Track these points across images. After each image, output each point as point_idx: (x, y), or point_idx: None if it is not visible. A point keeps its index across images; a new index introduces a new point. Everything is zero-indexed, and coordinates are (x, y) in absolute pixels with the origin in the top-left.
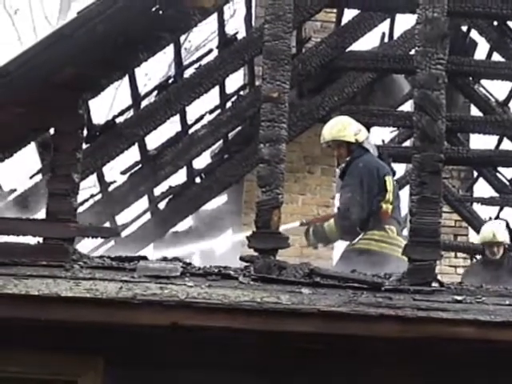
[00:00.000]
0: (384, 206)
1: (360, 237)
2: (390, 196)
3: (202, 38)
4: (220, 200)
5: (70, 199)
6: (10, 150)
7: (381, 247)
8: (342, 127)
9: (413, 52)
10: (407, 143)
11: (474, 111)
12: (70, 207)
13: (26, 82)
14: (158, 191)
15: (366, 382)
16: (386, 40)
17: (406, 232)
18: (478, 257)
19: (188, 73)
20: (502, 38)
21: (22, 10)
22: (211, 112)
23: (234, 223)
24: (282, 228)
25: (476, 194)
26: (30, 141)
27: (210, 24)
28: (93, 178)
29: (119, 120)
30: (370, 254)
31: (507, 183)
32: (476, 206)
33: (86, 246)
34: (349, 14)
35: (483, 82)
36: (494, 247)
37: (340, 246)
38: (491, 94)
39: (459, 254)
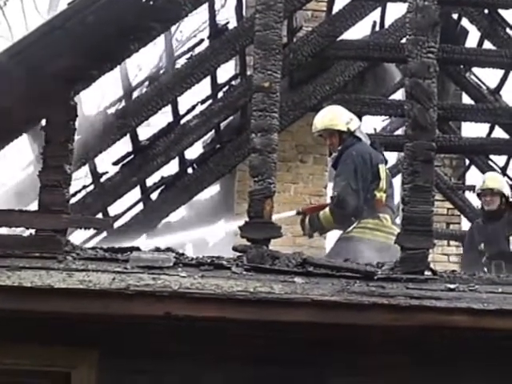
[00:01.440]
0: (378, 194)
1: (354, 225)
2: (383, 184)
3: (192, 28)
4: (212, 190)
5: (62, 190)
6: (2, 141)
7: (375, 235)
8: (333, 116)
9: (404, 40)
10: (399, 132)
11: (466, 99)
12: (62, 198)
13: (17, 74)
14: (150, 182)
15: (362, 370)
16: (377, 29)
17: (398, 221)
18: None
19: (179, 63)
20: (492, 26)
21: (12, 1)
22: (203, 102)
23: (227, 213)
24: (278, 216)
25: (468, 182)
26: (21, 132)
27: (200, 14)
28: (85, 169)
29: (110, 111)
30: (363, 243)
31: (499, 171)
32: (468, 194)
33: (78, 237)
34: (340, 3)
35: (474, 69)
36: (487, 196)
37: (332, 235)
38: (482, 82)
39: (452, 242)
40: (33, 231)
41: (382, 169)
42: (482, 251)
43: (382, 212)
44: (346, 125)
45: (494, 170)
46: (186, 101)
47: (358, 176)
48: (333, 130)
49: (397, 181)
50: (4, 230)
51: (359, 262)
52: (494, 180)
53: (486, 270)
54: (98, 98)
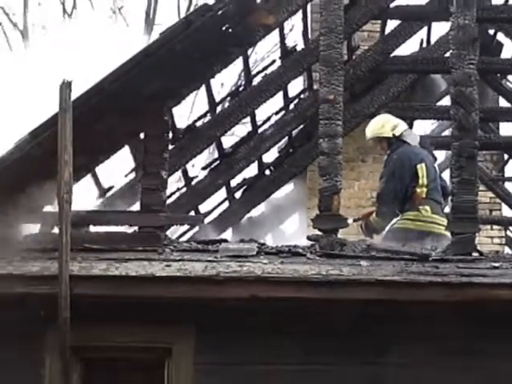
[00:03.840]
0: (418, 190)
1: (398, 218)
2: (423, 181)
3: (266, 50)
4: (287, 188)
5: (159, 193)
6: (108, 152)
7: (416, 225)
8: (380, 125)
9: (448, 54)
10: (446, 133)
11: (503, 102)
12: (160, 200)
13: (118, 95)
14: (233, 183)
15: (418, 340)
16: (424, 45)
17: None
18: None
19: (256, 80)
20: None
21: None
22: (277, 113)
23: (300, 208)
24: None
25: (507, 174)
26: (124, 144)
27: (272, 38)
28: (178, 174)
29: (198, 123)
30: (406, 231)
31: None
32: (507, 184)
33: (175, 232)
34: (391, 24)
35: (509, 77)
36: None
37: None
38: None
39: (494, 227)
40: (136, 228)
41: (421, 167)
42: None
43: (422, 204)
44: (391, 131)
45: None
46: (262, 113)
47: (395, 178)
48: (380, 137)
49: (446, 175)
50: (112, 228)
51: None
52: None
53: None
54: (187, 113)
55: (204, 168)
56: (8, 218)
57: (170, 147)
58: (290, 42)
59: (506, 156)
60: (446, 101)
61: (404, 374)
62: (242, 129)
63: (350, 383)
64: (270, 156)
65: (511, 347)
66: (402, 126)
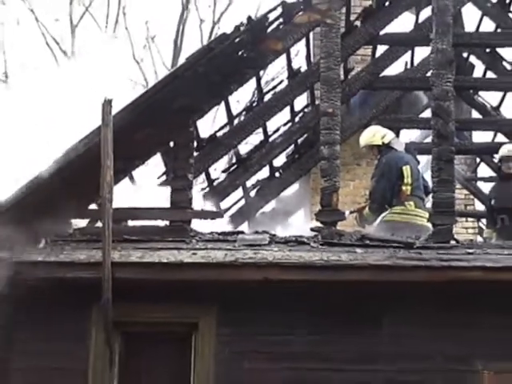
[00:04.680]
0: (404, 188)
1: (387, 212)
2: (407, 180)
3: (275, 72)
4: (294, 187)
5: (186, 192)
6: (143, 158)
7: (402, 218)
8: (371, 135)
9: (429, 74)
10: (427, 140)
11: (475, 114)
12: (187, 198)
13: (151, 110)
14: (249, 183)
15: (406, 316)
16: (409, 66)
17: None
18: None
19: (267, 97)
20: (493, 61)
21: (145, 59)
22: (285, 125)
23: (305, 204)
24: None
25: (479, 175)
26: (156, 152)
27: (280, 61)
28: (202, 176)
29: (219, 134)
30: (394, 223)
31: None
32: (479, 183)
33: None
34: (381, 49)
35: (481, 93)
36: (510, 162)
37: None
38: (487, 102)
39: (469, 219)
40: (167, 222)
41: (406, 169)
42: (492, 206)
43: (407, 200)
44: (380, 139)
45: (496, 166)
46: (272, 124)
47: (384, 178)
48: (371, 145)
49: (428, 175)
50: (147, 222)
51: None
52: None
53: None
54: (209, 125)
55: (224, 171)
56: (60, 214)
57: (195, 154)
58: (295, 65)
59: (478, 159)
60: (427, 113)
61: (393, 342)
62: (255, 138)
63: (348, 350)
64: (279, 161)
65: (482, 318)
66: (390, 135)
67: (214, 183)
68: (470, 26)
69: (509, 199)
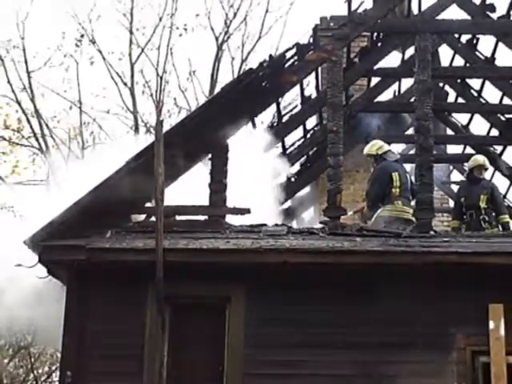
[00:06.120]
0: (393, 190)
1: (381, 209)
2: (396, 184)
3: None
4: (306, 190)
5: (222, 193)
6: (187, 167)
7: (392, 213)
8: (370, 147)
9: (412, 100)
10: (412, 152)
11: (449, 131)
12: (222, 198)
13: (194, 129)
14: None
15: (397, 292)
16: (397, 94)
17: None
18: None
19: (284, 119)
20: (463, 89)
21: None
22: (299, 140)
23: (314, 202)
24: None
25: (452, 179)
26: (198, 162)
27: (295, 90)
28: None
29: None
30: (385, 218)
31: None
32: (452, 186)
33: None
34: (374, 80)
35: (454, 114)
36: (482, 169)
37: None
38: (458, 121)
39: (444, 214)
40: (206, 217)
41: (395, 175)
42: (462, 203)
43: (396, 200)
44: (376, 151)
45: (466, 172)
46: (289, 140)
47: (378, 182)
48: (370, 155)
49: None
50: (191, 217)
51: (386, 228)
52: (485, 160)
53: (464, 217)
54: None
55: None
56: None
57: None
58: (307, 93)
59: (451, 167)
60: (411, 131)
61: (384, 311)
62: (276, 151)
63: (348, 317)
64: (294, 168)
65: (456, 292)
66: (385, 147)
67: None
68: (445, 61)
69: (476, 198)
